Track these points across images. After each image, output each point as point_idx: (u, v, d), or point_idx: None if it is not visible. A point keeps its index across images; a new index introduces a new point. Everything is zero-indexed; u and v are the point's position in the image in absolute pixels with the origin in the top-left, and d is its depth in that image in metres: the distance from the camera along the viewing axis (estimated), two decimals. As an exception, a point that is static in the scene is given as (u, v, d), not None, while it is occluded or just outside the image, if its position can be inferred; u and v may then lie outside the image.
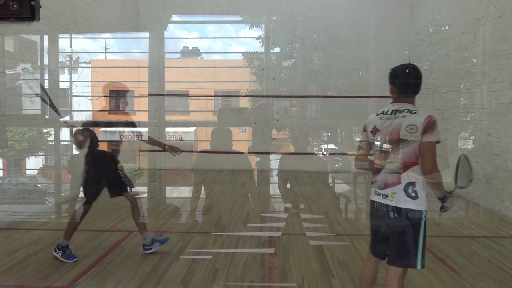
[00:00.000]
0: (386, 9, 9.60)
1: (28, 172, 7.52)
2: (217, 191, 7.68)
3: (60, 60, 7.46)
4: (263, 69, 10.15)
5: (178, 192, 8.38)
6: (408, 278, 3.54)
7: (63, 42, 7.29)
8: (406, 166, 2.43)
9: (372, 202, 2.56)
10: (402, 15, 9.60)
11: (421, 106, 9.05)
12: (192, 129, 10.99)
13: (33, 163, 7.67)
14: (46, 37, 6.54)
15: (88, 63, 9.80)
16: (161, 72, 10.04)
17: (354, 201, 7.40)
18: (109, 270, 3.62)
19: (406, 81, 2.62)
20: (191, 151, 10.58)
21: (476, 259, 4.04)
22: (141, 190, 8.49)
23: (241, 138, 10.16)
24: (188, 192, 8.14)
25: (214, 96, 10.37)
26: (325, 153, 10.28)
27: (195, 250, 4.22)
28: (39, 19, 1.20)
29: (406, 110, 2.50)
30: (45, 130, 7.30)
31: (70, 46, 7.80)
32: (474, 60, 6.95)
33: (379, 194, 2.51)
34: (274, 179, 8.90)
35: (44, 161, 8.29)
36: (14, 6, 1.16)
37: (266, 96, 10.11)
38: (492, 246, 4.47)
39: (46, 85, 6.72)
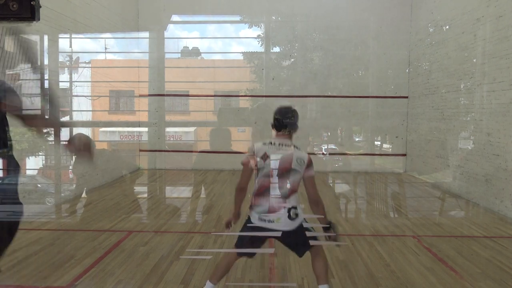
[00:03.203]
0: (386, 9, 9.61)
1: (28, 172, 7.52)
2: (217, 191, 7.68)
3: (60, 60, 7.46)
4: (263, 69, 10.16)
5: (178, 192, 8.38)
6: (408, 278, 3.55)
7: (63, 42, 7.28)
8: (291, 193, 2.72)
9: (256, 228, 2.74)
10: (402, 15, 9.61)
11: (421, 106, 9.12)
12: (192, 129, 10.99)
13: (33, 163, 7.66)
14: (46, 37, 6.54)
15: (88, 63, 9.80)
16: (161, 72, 10.04)
17: (354, 201, 7.40)
18: (109, 270, 3.62)
19: (288, 121, 2.84)
20: (191, 151, 10.59)
21: (476, 259, 4.04)
22: (141, 190, 8.50)
23: (241, 138, 10.16)
24: (188, 192, 8.15)
25: (214, 96, 10.37)
26: (325, 153, 10.28)
27: (195, 250, 4.22)
28: (39, 19, 1.20)
29: (293, 145, 2.80)
30: (45, 130, 7.28)
31: (70, 46, 7.79)
32: (474, 60, 6.95)
33: (264, 220, 2.72)
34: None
35: (44, 161, 8.29)
36: (14, 6, 1.16)
37: (266, 96, 10.11)
38: (492, 246, 4.47)
39: (46, 85, 6.72)
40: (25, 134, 7.11)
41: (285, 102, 2.99)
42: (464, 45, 7.22)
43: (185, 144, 10.97)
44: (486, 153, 6.43)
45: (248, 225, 2.79)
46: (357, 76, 10.29)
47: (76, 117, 8.73)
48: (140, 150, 10.33)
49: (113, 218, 5.45)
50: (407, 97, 9.64)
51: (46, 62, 6.76)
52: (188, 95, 10.34)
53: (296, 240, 2.80)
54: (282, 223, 2.70)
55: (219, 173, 9.18)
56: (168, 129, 10.55)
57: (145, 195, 7.64)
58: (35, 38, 6.54)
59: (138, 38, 10.38)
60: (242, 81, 10.22)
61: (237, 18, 10.57)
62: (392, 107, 9.76)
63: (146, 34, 10.11)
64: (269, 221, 2.71)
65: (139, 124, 10.35)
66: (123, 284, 3.36)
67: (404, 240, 4.63)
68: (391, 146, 10.27)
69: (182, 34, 11.60)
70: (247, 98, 10.43)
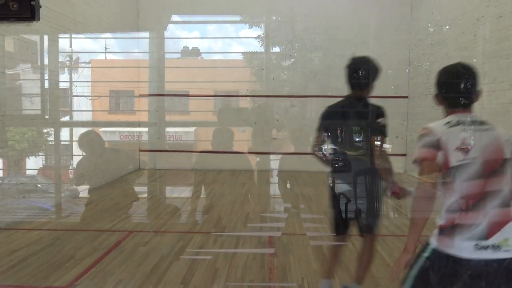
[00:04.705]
0: (386, 9, 9.59)
1: (28, 172, 7.52)
2: (217, 191, 7.68)
3: (60, 60, 7.46)
4: (263, 69, 10.15)
5: (178, 192, 8.38)
6: (408, 278, 3.55)
7: (63, 42, 7.28)
8: None
9: (469, 261, 1.71)
10: (402, 15, 9.60)
11: (421, 106, 9.11)
12: (192, 129, 10.99)
13: (33, 163, 7.66)
14: (46, 37, 6.54)
15: (88, 63, 9.80)
16: (161, 72, 10.03)
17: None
18: (109, 270, 3.62)
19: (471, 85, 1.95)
20: (191, 151, 10.58)
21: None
22: (141, 190, 8.49)
23: (241, 138, 10.16)
24: (188, 192, 8.15)
25: (214, 96, 10.37)
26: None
27: (195, 250, 4.22)
28: (39, 19, 1.20)
29: (486, 122, 1.86)
30: (45, 130, 7.29)
31: (70, 46, 7.79)
32: (474, 60, 6.95)
33: (484, 248, 1.70)
34: (274, 179, 8.89)
35: (44, 161, 8.29)
36: (14, 6, 1.16)
37: (266, 96, 10.10)
38: (492, 246, 4.47)
39: (46, 85, 6.71)
40: (25, 134, 7.12)
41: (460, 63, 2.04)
42: (464, 45, 7.22)
43: (185, 144, 10.96)
44: (486, 153, 6.42)
45: (437, 263, 1.78)
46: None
47: (76, 117, 8.74)
48: (140, 150, 10.33)
49: (113, 218, 5.45)
50: (407, 97, 9.63)
51: (46, 62, 6.76)
52: (188, 95, 10.33)
53: None
54: (510, 246, 1.70)
55: (219, 173, 9.17)
56: (168, 129, 10.54)
57: (145, 195, 7.64)
58: (35, 38, 6.55)
59: (138, 38, 10.37)
60: (242, 81, 10.21)
61: (237, 18, 10.57)
62: (392, 107, 9.70)
63: (146, 34, 10.10)
64: (494, 247, 1.69)
65: (139, 124, 10.35)
66: (123, 284, 3.36)
67: (404, 240, 4.63)
68: (391, 146, 10.27)
69: (182, 34, 11.61)
70: (247, 98, 10.42)
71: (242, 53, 10.50)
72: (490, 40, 6.43)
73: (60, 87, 7.58)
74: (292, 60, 10.33)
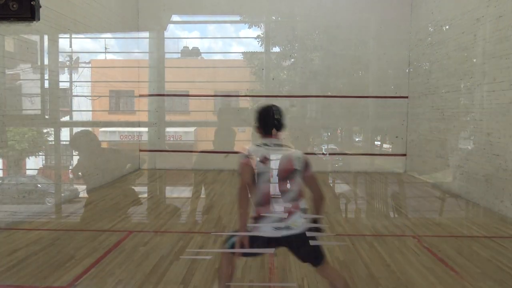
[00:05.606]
0: (386, 9, 9.60)
1: (28, 172, 7.52)
2: (217, 191, 7.68)
3: (60, 60, 7.46)
4: (263, 69, 10.15)
5: (178, 192, 8.38)
6: (408, 278, 3.55)
7: (63, 42, 7.28)
8: (300, 194, 2.65)
9: (273, 238, 2.55)
10: (402, 15, 9.60)
11: (421, 106, 9.11)
12: (192, 129, 10.98)
13: (33, 163, 7.66)
14: (46, 37, 6.54)
15: (88, 63, 9.79)
16: (161, 72, 10.03)
17: (354, 201, 7.40)
18: (109, 270, 3.62)
19: (277, 120, 2.70)
20: (191, 151, 10.58)
21: (476, 259, 4.04)
22: (141, 190, 8.49)
23: (241, 138, 10.16)
24: (188, 192, 8.15)
25: (214, 96, 10.37)
26: (325, 153, 10.28)
27: (195, 250, 4.22)
28: (39, 19, 1.20)
29: (284, 145, 2.70)
30: (45, 130, 7.29)
31: (70, 46, 7.79)
32: (474, 60, 6.95)
33: (281, 228, 2.55)
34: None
35: (44, 161, 8.29)
36: (14, 6, 1.17)
37: (266, 96, 10.10)
38: (492, 246, 4.47)
39: (46, 85, 6.71)
40: (25, 134, 7.12)
41: (267, 103, 2.79)
42: (464, 45, 7.22)
43: (185, 144, 10.96)
44: (486, 153, 6.43)
45: (253, 243, 2.57)
46: (357, 76, 10.29)
47: (76, 117, 8.74)
48: (140, 150, 10.33)
49: (113, 218, 5.45)
50: (407, 97, 9.64)
51: (46, 62, 6.76)
52: (188, 95, 10.33)
53: (310, 246, 2.66)
54: (299, 226, 2.57)
55: (219, 173, 9.18)
56: (168, 129, 10.54)
57: (145, 195, 7.64)
58: (35, 38, 6.55)
59: (138, 38, 10.37)
60: (242, 81, 10.21)
61: (237, 18, 10.56)
62: (392, 107, 9.76)
63: (146, 34, 10.10)
64: (287, 228, 2.55)
65: (139, 124, 10.35)
66: (123, 284, 3.36)
67: (404, 240, 4.63)
68: (391, 146, 10.27)
69: (182, 34, 11.60)
70: (247, 98, 10.42)
71: (242, 53, 10.49)
72: (490, 40, 6.43)
73: (60, 87, 7.57)
74: (292, 60, 10.33)
